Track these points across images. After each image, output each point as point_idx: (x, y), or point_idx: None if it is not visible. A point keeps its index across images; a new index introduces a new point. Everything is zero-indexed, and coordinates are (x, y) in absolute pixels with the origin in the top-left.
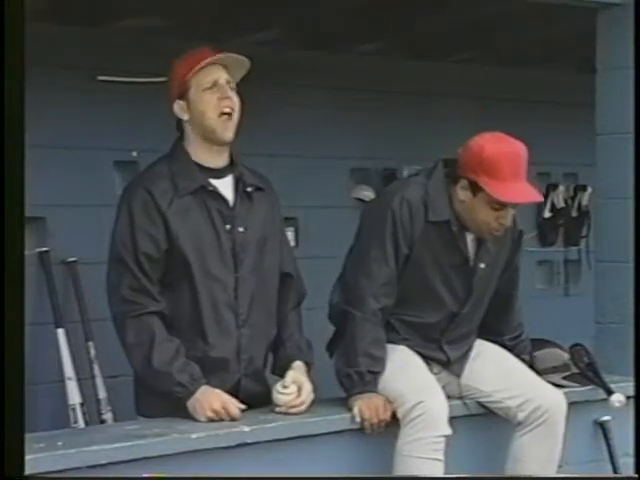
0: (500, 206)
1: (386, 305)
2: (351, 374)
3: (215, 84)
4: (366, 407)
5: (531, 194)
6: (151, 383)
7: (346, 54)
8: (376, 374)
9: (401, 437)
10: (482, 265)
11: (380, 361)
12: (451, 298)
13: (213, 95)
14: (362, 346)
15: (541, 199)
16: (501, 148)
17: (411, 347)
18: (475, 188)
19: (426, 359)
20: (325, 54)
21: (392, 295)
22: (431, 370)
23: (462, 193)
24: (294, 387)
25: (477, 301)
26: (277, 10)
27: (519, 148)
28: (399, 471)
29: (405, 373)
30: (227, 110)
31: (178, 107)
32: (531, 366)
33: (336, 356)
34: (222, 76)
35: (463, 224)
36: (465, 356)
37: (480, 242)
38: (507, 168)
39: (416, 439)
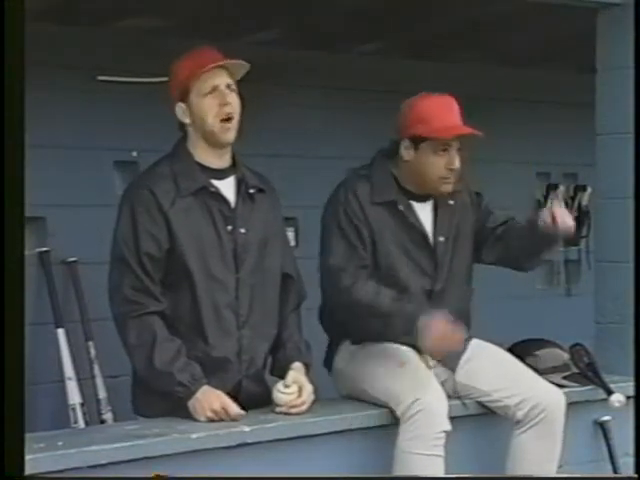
0: (444, 149)
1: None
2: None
3: (215, 89)
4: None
5: (469, 128)
6: (152, 383)
7: (346, 54)
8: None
9: (401, 434)
10: (441, 238)
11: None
12: (421, 277)
13: (214, 100)
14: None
15: (480, 133)
16: (429, 98)
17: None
18: (416, 141)
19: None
20: (325, 54)
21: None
22: (427, 364)
23: (406, 153)
24: (295, 387)
25: (450, 277)
26: (277, 10)
27: (447, 96)
28: (399, 468)
29: (402, 371)
30: (227, 116)
31: (180, 110)
32: (531, 366)
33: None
34: (222, 81)
35: (418, 192)
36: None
37: (435, 216)
38: (440, 111)
39: (416, 436)
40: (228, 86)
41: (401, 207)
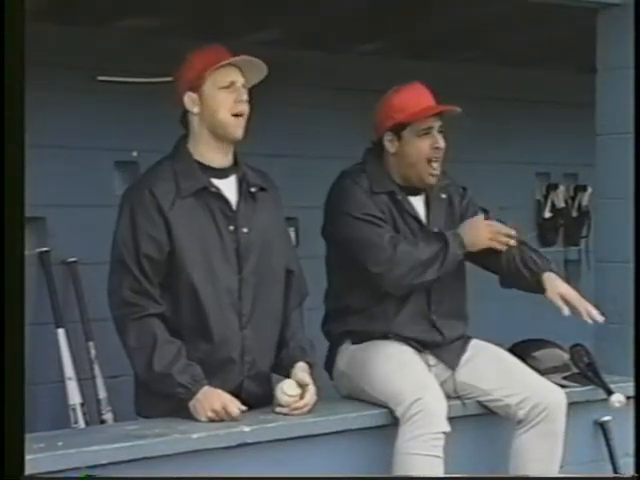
0: (426, 132)
1: None
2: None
3: (232, 84)
4: None
5: (445, 106)
6: (153, 385)
7: (346, 54)
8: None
9: (400, 435)
10: (436, 230)
11: None
12: None
13: (229, 95)
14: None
15: (457, 109)
16: (401, 90)
17: (409, 333)
18: (398, 130)
19: (422, 344)
20: (325, 54)
21: None
22: (427, 363)
23: (391, 145)
24: (299, 389)
25: None
26: (277, 10)
27: (416, 84)
28: (398, 469)
29: (402, 372)
30: (240, 113)
31: (189, 99)
32: (531, 366)
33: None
34: (239, 79)
35: (408, 185)
36: (460, 347)
37: (428, 209)
38: (414, 97)
39: (415, 436)
40: (243, 85)
41: (399, 197)
